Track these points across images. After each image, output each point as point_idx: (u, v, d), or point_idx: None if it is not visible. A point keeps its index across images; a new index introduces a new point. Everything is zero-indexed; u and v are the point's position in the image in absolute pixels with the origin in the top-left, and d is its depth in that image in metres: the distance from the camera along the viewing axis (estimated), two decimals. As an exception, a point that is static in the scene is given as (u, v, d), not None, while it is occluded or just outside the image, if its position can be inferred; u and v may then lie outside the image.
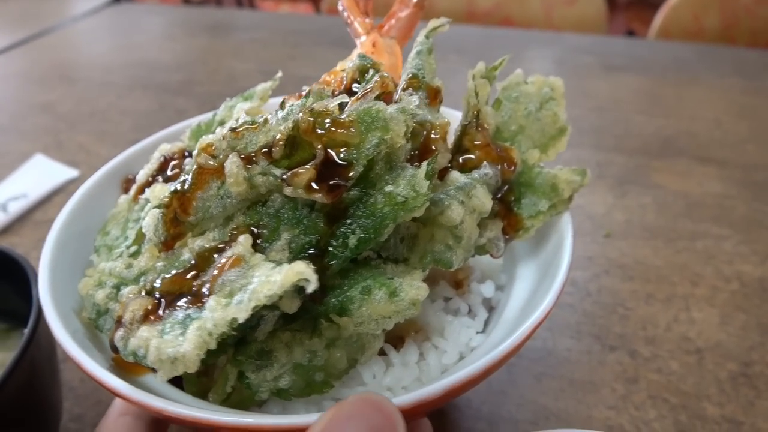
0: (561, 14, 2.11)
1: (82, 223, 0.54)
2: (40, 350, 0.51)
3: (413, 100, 0.41)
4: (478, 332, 0.49)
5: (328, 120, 0.40)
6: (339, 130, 0.39)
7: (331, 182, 0.38)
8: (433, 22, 0.53)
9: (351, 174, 0.39)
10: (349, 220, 0.40)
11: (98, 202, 0.57)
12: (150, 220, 0.43)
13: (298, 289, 0.38)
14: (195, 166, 0.43)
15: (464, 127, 0.50)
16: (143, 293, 0.42)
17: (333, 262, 0.40)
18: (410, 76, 0.48)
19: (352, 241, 0.40)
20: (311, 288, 0.35)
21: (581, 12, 2.10)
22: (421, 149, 0.44)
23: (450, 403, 0.63)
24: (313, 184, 0.38)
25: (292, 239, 0.40)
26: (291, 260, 0.39)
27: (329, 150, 0.39)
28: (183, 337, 0.36)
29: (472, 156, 0.48)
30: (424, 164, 0.40)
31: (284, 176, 0.39)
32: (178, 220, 0.43)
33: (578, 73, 1.49)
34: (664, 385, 0.65)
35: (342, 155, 0.39)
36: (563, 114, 0.53)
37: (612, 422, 0.61)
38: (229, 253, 0.40)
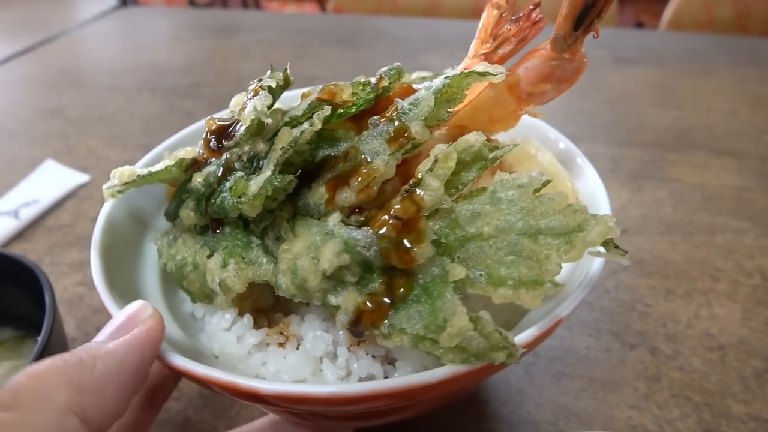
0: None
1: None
2: (54, 357, 0.50)
3: (257, 104, 0.44)
4: None
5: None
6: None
7: (213, 142, 0.46)
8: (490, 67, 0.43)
9: (221, 144, 0.46)
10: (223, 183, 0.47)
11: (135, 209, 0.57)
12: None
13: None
14: None
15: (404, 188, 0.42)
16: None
17: None
18: (395, 106, 0.44)
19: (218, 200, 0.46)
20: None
21: (590, 5, 2.07)
22: (341, 177, 0.43)
23: (467, 403, 0.62)
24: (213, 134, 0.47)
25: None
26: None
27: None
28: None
29: (375, 216, 0.41)
30: (266, 174, 0.42)
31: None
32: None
33: (589, 66, 1.45)
34: (686, 383, 0.64)
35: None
36: (556, 265, 0.37)
37: (634, 422, 0.60)
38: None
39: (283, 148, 0.42)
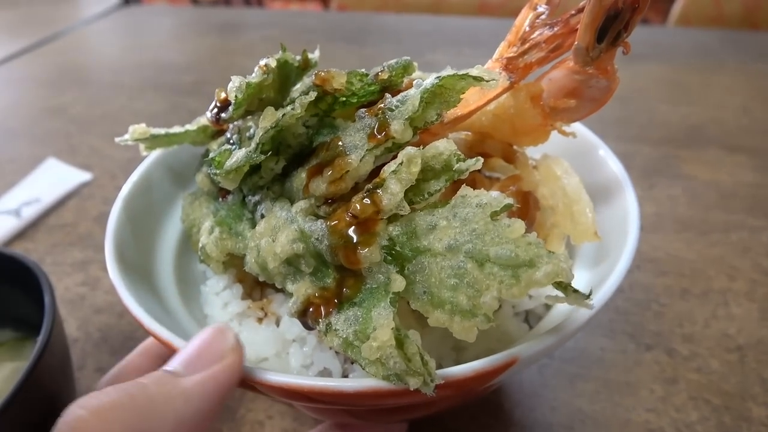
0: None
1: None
2: (54, 359, 0.49)
3: (238, 81, 0.46)
4: None
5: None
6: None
7: (215, 112, 0.49)
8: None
9: (219, 116, 0.48)
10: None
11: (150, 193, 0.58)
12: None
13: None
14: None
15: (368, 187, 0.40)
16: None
17: None
18: (384, 102, 0.41)
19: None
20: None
21: (596, 1, 2.05)
22: (321, 165, 0.42)
23: (480, 405, 0.60)
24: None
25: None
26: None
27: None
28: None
29: (337, 210, 0.39)
30: (245, 150, 0.43)
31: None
32: None
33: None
34: (705, 385, 0.62)
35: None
36: (493, 299, 0.33)
37: (652, 425, 0.58)
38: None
39: (264, 127, 0.42)
